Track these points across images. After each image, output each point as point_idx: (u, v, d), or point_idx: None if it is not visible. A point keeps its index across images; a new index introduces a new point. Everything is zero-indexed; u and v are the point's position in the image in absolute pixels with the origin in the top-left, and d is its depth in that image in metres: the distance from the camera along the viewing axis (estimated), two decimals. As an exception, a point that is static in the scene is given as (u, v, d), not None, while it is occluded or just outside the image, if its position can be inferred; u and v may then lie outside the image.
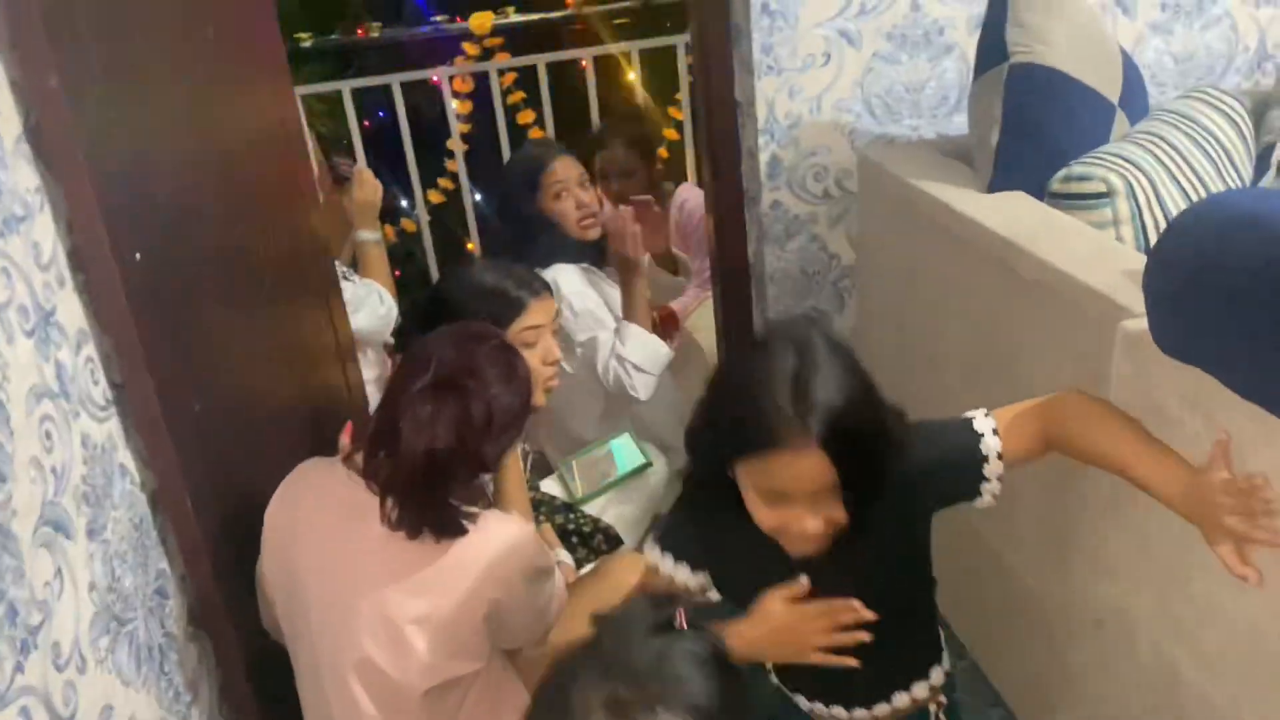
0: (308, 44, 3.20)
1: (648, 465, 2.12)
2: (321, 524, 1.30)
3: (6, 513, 0.95)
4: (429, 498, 1.22)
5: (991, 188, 1.60)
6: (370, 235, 2.31)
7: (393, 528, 1.23)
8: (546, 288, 1.72)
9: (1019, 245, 1.34)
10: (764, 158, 2.07)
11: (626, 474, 2.11)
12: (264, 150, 1.75)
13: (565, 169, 2.30)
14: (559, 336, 1.75)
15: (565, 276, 2.19)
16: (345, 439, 1.51)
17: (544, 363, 1.66)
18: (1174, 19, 2.07)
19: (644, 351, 2.15)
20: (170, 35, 1.40)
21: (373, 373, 2.16)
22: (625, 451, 2.19)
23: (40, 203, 1.12)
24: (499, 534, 1.26)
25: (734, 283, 2.25)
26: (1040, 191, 1.55)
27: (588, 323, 2.18)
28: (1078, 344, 1.25)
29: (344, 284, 2.04)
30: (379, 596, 1.24)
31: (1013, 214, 1.46)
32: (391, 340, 2.17)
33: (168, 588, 1.30)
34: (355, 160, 2.88)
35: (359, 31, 3.27)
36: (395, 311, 2.21)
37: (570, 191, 2.28)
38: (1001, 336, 1.46)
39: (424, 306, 1.73)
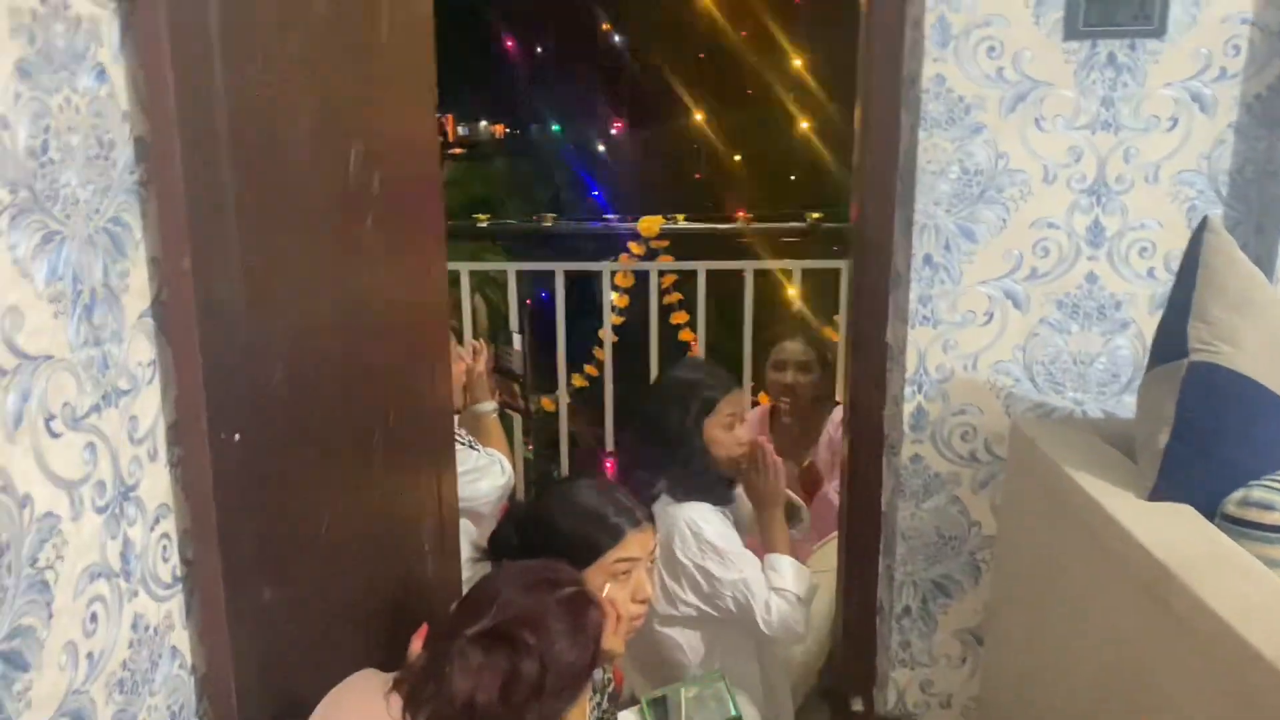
0: (484, 224, 3.34)
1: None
2: None
3: (19, 704, 0.90)
4: None
5: (1153, 495, 1.43)
6: (488, 407, 2.37)
7: None
8: (649, 520, 1.62)
9: (1176, 576, 1.17)
10: (909, 407, 1.95)
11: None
12: (401, 326, 1.76)
13: (740, 401, 2.21)
14: (652, 575, 1.63)
15: (706, 516, 2.03)
16: (416, 644, 1.43)
17: (633, 599, 1.55)
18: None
19: (801, 581, 1.99)
20: (324, 225, 1.43)
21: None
22: (733, 695, 2.01)
23: (151, 375, 1.13)
24: None
25: (863, 531, 2.10)
26: (1210, 508, 1.37)
27: (737, 563, 2.00)
28: (1236, 710, 1.05)
29: (468, 452, 2.09)
30: None
31: (1174, 534, 1.29)
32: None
33: (191, 786, 1.23)
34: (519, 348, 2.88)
35: (536, 219, 3.40)
36: (513, 480, 2.22)
37: (740, 422, 2.15)
38: (1143, 670, 1.26)
39: (521, 516, 1.66)
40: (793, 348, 2.74)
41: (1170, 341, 1.52)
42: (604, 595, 1.51)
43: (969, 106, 1.81)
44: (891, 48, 1.86)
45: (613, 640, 1.52)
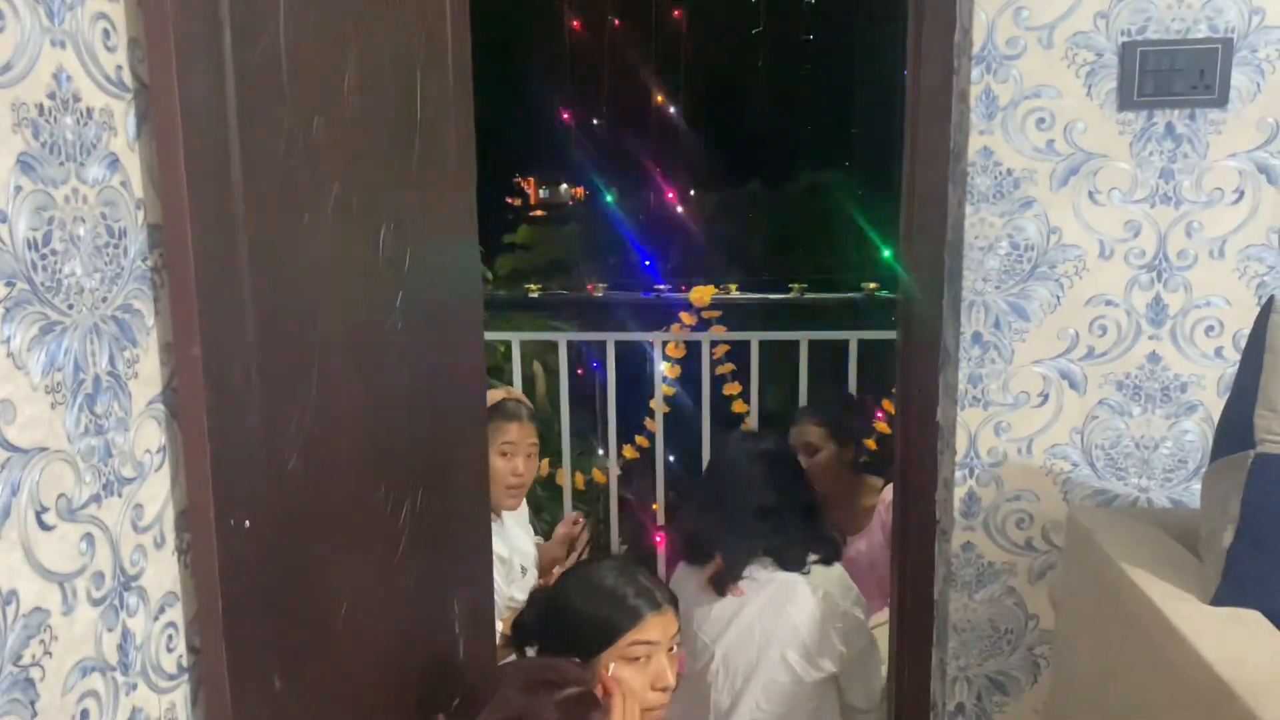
0: (535, 295, 3.35)
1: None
2: None
3: (-8, 812, 0.87)
4: None
5: (1218, 600, 1.32)
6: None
7: None
8: (672, 603, 1.57)
9: (1240, 699, 1.07)
10: (960, 492, 1.86)
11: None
12: (431, 403, 1.74)
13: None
14: (674, 663, 1.57)
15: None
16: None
17: (652, 688, 1.49)
18: None
19: None
20: (344, 307, 1.42)
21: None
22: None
23: (160, 462, 1.11)
24: None
25: (914, 622, 2.00)
26: (1282, 615, 1.26)
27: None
28: None
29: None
30: None
31: (1239, 647, 1.18)
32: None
33: None
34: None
35: (588, 288, 3.39)
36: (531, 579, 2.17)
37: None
38: (1212, 799, 1.15)
39: (541, 600, 1.62)
40: (798, 430, 2.64)
41: (1235, 431, 1.42)
42: (617, 679, 1.45)
43: (1018, 180, 1.74)
44: (937, 121, 1.81)
45: None
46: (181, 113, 1.06)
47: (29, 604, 0.91)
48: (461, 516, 1.82)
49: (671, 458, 3.20)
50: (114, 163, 1.02)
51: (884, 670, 2.19)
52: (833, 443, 2.69)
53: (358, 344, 1.46)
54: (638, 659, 1.47)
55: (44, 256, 0.92)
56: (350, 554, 1.46)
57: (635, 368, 3.27)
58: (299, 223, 1.31)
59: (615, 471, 3.18)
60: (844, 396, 3.13)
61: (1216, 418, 1.65)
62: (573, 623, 1.49)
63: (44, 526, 0.93)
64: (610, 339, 3.04)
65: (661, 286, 3.41)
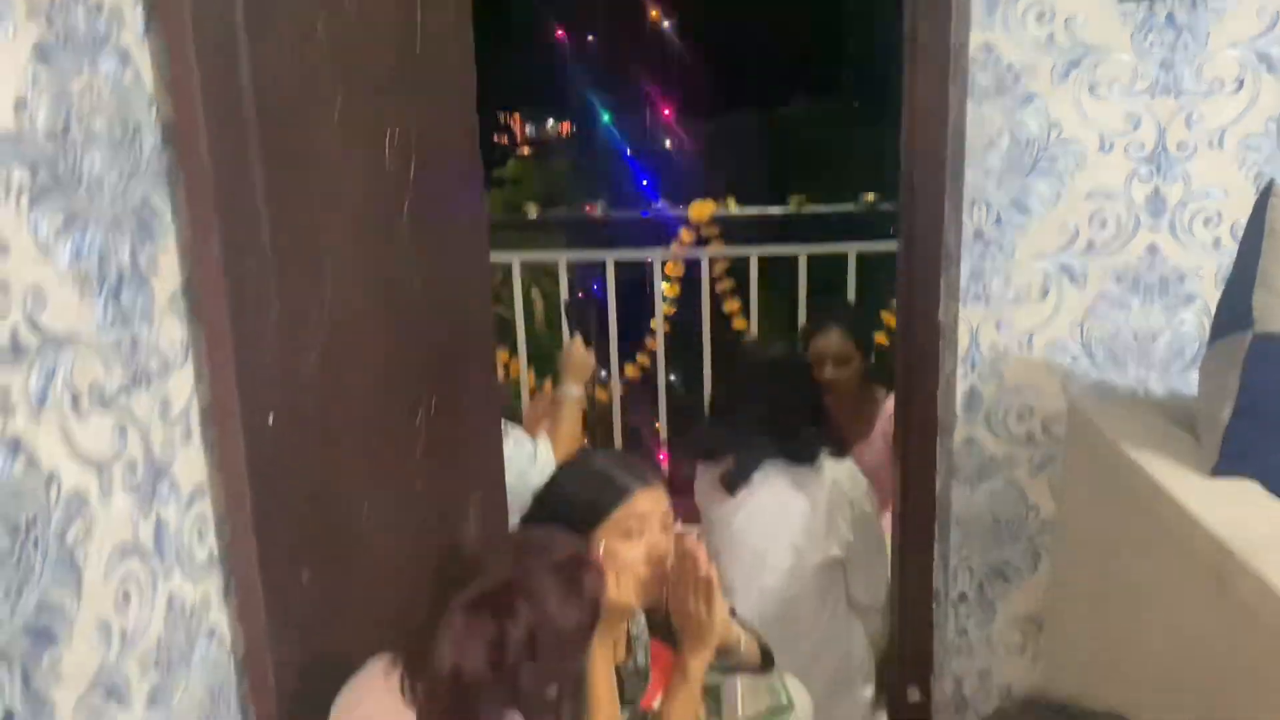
0: (534, 216, 3.34)
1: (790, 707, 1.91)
2: None
3: (49, 678, 0.91)
4: None
5: (1216, 472, 1.36)
6: (573, 391, 2.36)
7: None
8: (661, 480, 1.61)
9: (1239, 558, 1.11)
10: (961, 388, 1.90)
11: (787, 710, 1.91)
12: (442, 312, 1.76)
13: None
14: (669, 534, 1.59)
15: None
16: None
17: (647, 560, 1.53)
18: None
19: None
20: (353, 210, 1.43)
21: None
22: (785, 683, 1.99)
23: (184, 357, 1.14)
24: None
25: (917, 517, 2.05)
26: (1278, 485, 1.30)
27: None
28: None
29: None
30: None
31: (1237, 512, 1.22)
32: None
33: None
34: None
35: (587, 209, 3.39)
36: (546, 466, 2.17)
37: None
38: (1212, 660, 1.20)
39: (539, 490, 1.67)
40: (825, 341, 2.61)
41: (1234, 313, 1.44)
42: (609, 552, 1.50)
43: (1019, 75, 1.75)
44: (937, 18, 1.80)
45: (625, 594, 1.50)
46: (192, 9, 1.07)
47: (70, 487, 0.93)
48: (474, 427, 1.86)
49: (673, 376, 3.23)
50: (125, 57, 1.03)
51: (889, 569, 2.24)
52: (860, 355, 2.70)
53: (368, 248, 1.47)
54: (630, 533, 1.52)
55: (64, 147, 0.93)
56: (371, 453, 1.49)
57: (634, 288, 3.29)
58: (309, 125, 1.32)
59: (619, 391, 3.21)
60: (853, 308, 3.14)
61: (1214, 308, 1.67)
62: (567, 506, 1.54)
63: (79, 413, 0.95)
64: (609, 257, 3.06)
65: (659, 204, 3.40)
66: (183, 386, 1.14)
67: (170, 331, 1.11)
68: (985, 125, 1.77)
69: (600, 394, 3.35)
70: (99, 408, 0.98)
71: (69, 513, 0.94)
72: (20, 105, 0.88)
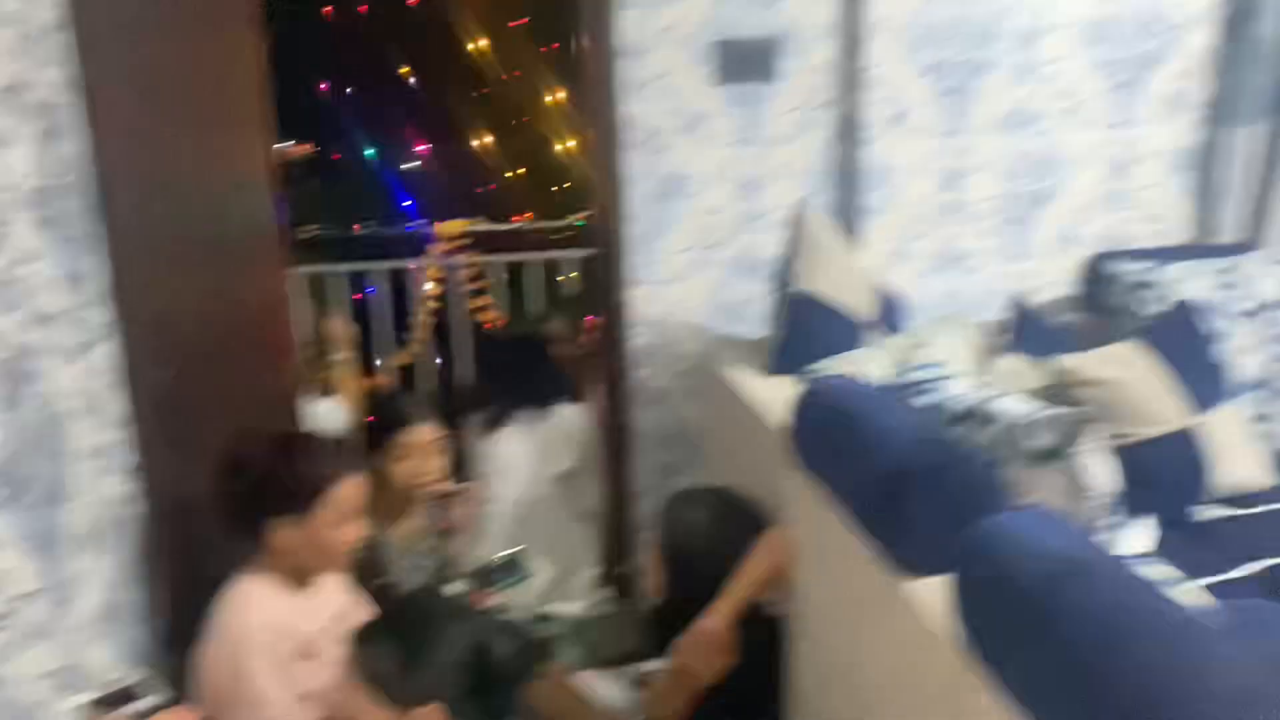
0: (310, 235, 4.03)
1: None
2: None
3: None
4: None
5: (770, 373, 2.33)
6: (338, 356, 3.09)
7: None
8: (434, 420, 2.43)
9: (758, 411, 2.05)
10: (638, 344, 2.80)
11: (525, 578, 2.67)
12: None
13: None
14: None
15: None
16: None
17: (413, 479, 2.41)
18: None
19: None
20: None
21: None
22: (527, 559, 2.75)
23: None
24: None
25: (614, 433, 2.94)
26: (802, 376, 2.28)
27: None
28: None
29: None
30: None
31: (773, 393, 2.18)
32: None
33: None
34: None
35: (355, 227, 4.12)
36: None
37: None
38: (752, 455, 2.15)
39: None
40: (553, 324, 3.51)
41: (781, 280, 2.42)
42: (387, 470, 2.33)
43: (656, 132, 2.67)
44: (604, 95, 2.69)
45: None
46: None
47: None
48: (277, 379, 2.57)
49: (439, 360, 4.01)
50: None
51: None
52: (579, 330, 3.57)
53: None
54: (401, 458, 2.35)
55: None
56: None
57: (401, 294, 4.03)
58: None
59: (393, 375, 3.97)
60: (573, 298, 4.04)
61: (787, 279, 2.65)
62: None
63: None
64: (382, 266, 3.81)
65: (418, 222, 4.18)
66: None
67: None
68: (638, 167, 2.68)
69: (381, 378, 4.07)
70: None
71: None
72: None
